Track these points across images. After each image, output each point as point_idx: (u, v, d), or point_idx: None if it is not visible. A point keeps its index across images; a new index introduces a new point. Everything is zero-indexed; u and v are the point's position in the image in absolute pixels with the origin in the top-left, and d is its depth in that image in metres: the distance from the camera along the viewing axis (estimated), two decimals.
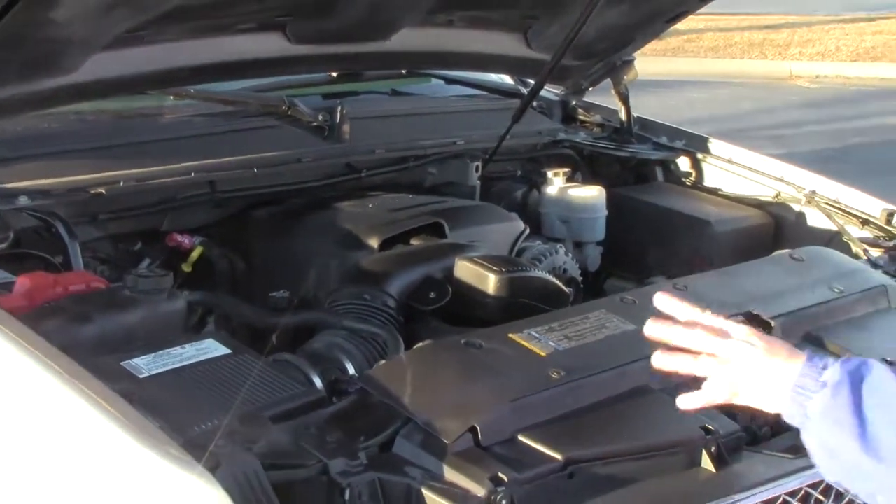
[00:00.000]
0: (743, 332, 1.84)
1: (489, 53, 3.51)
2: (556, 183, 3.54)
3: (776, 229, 3.52)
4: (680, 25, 15.69)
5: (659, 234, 3.51)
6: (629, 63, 3.82)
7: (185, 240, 2.95)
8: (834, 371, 1.73)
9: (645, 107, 4.11)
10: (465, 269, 2.70)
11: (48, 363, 1.96)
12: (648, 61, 13.93)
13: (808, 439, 1.75)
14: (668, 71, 13.53)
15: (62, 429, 1.90)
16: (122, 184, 2.83)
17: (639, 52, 3.83)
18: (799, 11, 17.58)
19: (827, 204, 3.43)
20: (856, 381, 1.70)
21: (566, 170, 3.59)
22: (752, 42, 15.93)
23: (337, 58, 3.26)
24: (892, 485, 1.68)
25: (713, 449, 2.19)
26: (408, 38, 3.20)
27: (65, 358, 1.98)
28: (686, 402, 1.92)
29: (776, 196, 3.57)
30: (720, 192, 3.70)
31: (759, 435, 2.31)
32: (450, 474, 2.00)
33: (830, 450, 1.72)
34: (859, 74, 14.09)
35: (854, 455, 1.67)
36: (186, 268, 2.90)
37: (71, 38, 2.52)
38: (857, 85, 13.58)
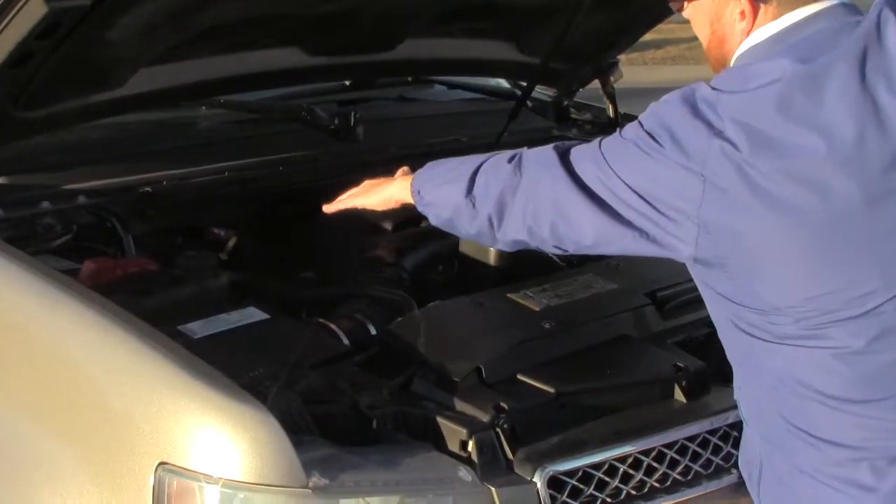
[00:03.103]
0: None
1: (485, 59, 3.85)
2: None
3: None
4: (680, 34, 15.82)
5: None
6: (615, 65, 4.16)
7: (222, 232, 3.32)
8: None
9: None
10: (468, 245, 3.05)
11: (128, 326, 2.27)
12: (650, 69, 14.30)
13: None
14: (669, 78, 13.70)
15: (142, 376, 2.20)
16: (165, 183, 3.20)
17: (642, 61, 4.16)
18: None
19: None
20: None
21: None
22: None
23: (348, 67, 3.61)
24: None
25: (684, 383, 2.56)
26: (411, 48, 3.54)
27: (140, 321, 2.30)
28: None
29: None
30: None
31: (728, 373, 2.68)
32: (460, 405, 2.38)
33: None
34: None
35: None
36: (223, 256, 3.25)
37: (121, 56, 2.88)
38: None
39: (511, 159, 2.23)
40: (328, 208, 2.67)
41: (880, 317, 1.96)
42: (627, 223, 2.04)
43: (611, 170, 2.05)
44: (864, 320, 1.96)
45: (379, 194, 2.56)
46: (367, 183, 2.62)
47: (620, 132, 2.09)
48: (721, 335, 2.17)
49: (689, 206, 1.97)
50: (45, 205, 2.99)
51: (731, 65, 2.10)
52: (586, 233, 2.10)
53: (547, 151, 2.18)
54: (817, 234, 1.94)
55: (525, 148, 2.27)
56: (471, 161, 2.33)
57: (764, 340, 2.04)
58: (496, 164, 2.26)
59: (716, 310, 2.13)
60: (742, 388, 2.20)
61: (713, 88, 2.00)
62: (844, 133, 1.92)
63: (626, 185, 2.02)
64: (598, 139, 2.13)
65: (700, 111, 1.97)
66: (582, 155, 2.12)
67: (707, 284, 2.10)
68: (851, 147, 1.92)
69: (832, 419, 2.03)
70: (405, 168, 2.58)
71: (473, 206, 2.26)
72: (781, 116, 1.93)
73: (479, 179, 2.26)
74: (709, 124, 1.95)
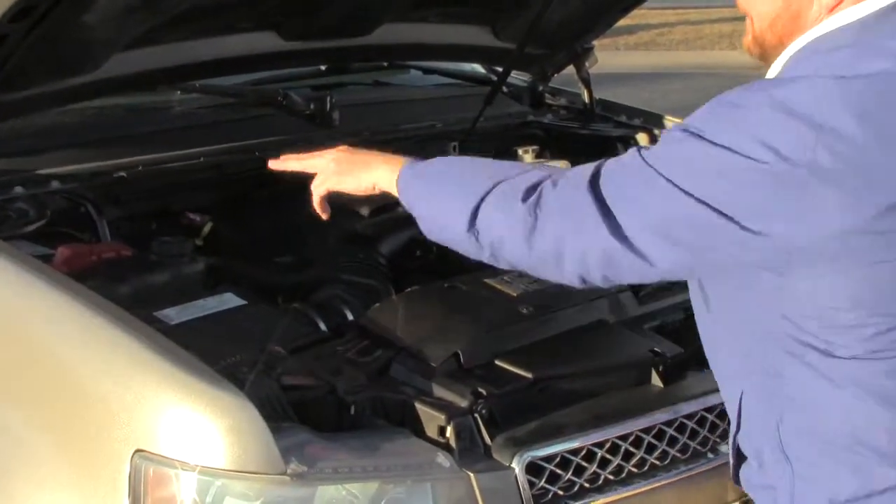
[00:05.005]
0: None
1: (461, 44, 3.85)
2: (526, 159, 3.90)
3: None
4: (651, 20, 15.91)
5: None
6: (589, 50, 4.16)
7: (197, 217, 3.31)
8: None
9: (620, 98, 4.45)
10: None
11: (105, 312, 2.26)
12: (622, 55, 14.35)
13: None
14: (641, 64, 13.85)
15: (118, 363, 2.20)
16: (140, 168, 3.19)
17: (614, 47, 4.17)
18: None
19: None
20: None
21: (535, 147, 3.95)
22: (721, 33, 16.25)
23: (324, 52, 3.60)
24: None
25: (661, 368, 2.57)
26: (387, 33, 3.53)
27: (115, 307, 2.29)
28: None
29: None
30: None
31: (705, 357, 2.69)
32: (437, 391, 2.38)
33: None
34: None
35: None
36: (199, 241, 3.24)
37: (96, 39, 2.85)
38: None
39: (526, 197, 1.91)
40: (281, 165, 2.42)
41: None
42: None
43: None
44: None
45: (358, 179, 2.23)
46: (342, 155, 2.30)
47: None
48: None
49: None
50: (18, 189, 2.96)
51: (793, 51, 1.89)
52: None
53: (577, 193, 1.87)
54: None
55: (545, 178, 1.94)
56: (473, 178, 2.02)
57: None
58: (507, 197, 1.93)
59: None
60: None
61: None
62: None
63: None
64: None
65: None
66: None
67: None
68: None
69: None
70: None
71: (477, 240, 1.98)
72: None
73: (482, 211, 1.95)
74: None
